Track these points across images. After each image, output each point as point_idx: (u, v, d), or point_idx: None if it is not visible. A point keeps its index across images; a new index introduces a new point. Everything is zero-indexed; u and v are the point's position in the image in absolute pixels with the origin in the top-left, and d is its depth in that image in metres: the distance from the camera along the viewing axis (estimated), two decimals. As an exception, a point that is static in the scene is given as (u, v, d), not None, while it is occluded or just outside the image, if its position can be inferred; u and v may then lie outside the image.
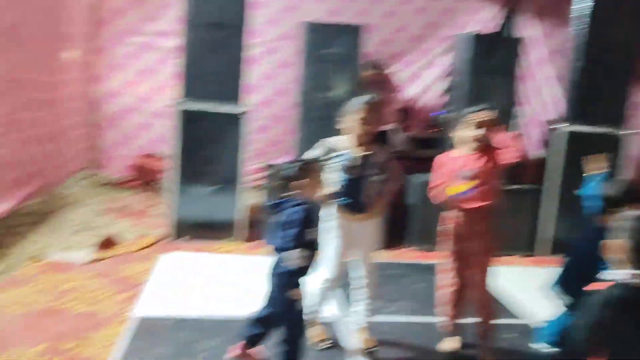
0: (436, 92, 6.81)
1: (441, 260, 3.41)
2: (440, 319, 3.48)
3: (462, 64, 5.34)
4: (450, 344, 3.43)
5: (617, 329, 1.84)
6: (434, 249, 5.00)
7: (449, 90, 5.87)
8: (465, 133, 3.21)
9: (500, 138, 3.17)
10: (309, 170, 2.79)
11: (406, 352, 3.45)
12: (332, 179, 3.13)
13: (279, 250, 2.71)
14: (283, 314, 2.78)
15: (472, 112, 3.19)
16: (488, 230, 3.22)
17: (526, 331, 3.72)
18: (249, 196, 5.42)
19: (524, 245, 5.40)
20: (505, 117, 4.93)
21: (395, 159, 3.33)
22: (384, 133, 5.70)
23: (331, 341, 3.40)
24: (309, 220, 2.68)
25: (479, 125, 3.15)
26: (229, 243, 5.09)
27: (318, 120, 5.11)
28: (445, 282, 3.39)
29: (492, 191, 3.19)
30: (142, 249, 4.83)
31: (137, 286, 4.04)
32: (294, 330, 2.79)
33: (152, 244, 4.94)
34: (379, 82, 6.25)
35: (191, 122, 4.98)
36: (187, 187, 5.08)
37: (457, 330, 3.44)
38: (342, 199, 3.16)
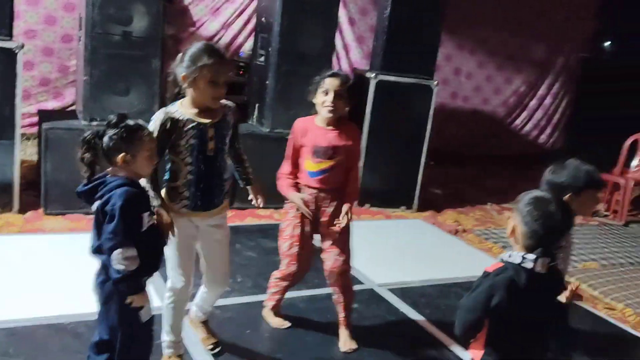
0: (240, 29, 6.18)
1: (282, 245, 2.94)
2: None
3: (272, 1, 4.81)
4: (278, 321, 3.09)
5: (501, 311, 1.82)
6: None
7: (256, 29, 5.31)
8: (317, 99, 2.80)
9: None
10: (135, 137, 2.02)
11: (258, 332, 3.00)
12: (179, 162, 2.37)
13: (95, 252, 2.00)
14: (123, 336, 2.05)
15: (322, 78, 2.76)
16: (337, 212, 2.84)
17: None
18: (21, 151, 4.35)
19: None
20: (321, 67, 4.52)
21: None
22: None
23: None
24: (135, 207, 1.99)
25: (327, 92, 2.75)
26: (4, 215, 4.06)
27: (111, 59, 4.23)
28: (284, 270, 2.97)
29: (347, 172, 2.87)
30: None
31: None
32: (136, 354, 2.11)
33: None
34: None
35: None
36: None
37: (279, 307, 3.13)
38: (192, 191, 2.40)
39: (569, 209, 1.87)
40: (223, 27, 6.10)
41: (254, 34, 5.51)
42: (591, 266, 4.64)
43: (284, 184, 2.87)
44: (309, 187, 2.83)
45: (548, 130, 8.50)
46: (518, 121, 8.25)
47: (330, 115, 2.76)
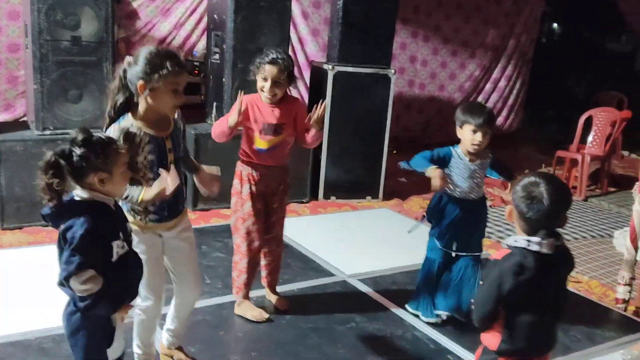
0: (192, 29, 6.09)
1: (236, 224, 2.99)
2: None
3: (225, -3, 4.75)
4: (256, 313, 3.07)
5: (515, 296, 1.81)
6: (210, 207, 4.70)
7: (209, 27, 5.23)
8: (258, 83, 2.88)
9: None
10: (110, 152, 1.81)
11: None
12: (139, 180, 2.19)
13: (60, 284, 1.81)
14: None
15: (262, 62, 2.81)
16: (285, 187, 3.07)
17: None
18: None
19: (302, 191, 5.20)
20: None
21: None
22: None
23: None
24: (101, 236, 1.80)
25: (266, 79, 2.82)
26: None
27: (61, 66, 4.11)
28: (243, 249, 3.00)
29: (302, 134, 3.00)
30: None
31: None
32: None
33: None
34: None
35: None
36: None
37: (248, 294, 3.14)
38: (157, 205, 2.26)
39: (565, 190, 1.86)
40: (175, 27, 6.00)
41: (206, 32, 5.44)
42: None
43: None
44: (259, 165, 2.91)
45: (504, 112, 8.65)
46: (475, 105, 8.35)
47: (269, 100, 2.86)
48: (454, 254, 3.05)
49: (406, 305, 3.25)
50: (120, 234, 1.88)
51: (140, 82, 2.12)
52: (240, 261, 3.03)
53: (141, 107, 2.18)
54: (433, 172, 2.85)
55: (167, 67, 2.11)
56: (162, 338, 2.66)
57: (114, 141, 1.88)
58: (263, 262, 3.18)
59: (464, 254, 3.05)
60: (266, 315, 3.05)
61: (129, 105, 2.19)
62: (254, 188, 2.95)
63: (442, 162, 2.96)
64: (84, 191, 1.82)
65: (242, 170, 2.96)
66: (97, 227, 1.76)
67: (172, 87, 2.15)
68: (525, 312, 1.85)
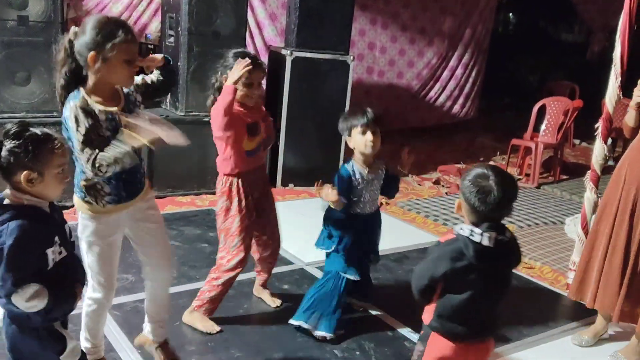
0: (144, 9, 5.92)
1: (226, 242, 2.85)
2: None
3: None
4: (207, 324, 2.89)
5: (448, 278, 1.87)
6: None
7: (162, 9, 5.09)
8: (241, 89, 2.69)
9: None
10: (43, 150, 1.66)
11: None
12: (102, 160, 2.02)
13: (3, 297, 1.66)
14: None
15: (245, 67, 2.60)
16: (268, 182, 3.05)
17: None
18: None
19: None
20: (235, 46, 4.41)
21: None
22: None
23: None
24: (34, 244, 1.65)
25: (252, 84, 2.71)
26: None
27: (7, 47, 3.94)
28: (224, 268, 2.85)
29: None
30: None
31: None
32: None
33: None
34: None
35: None
36: None
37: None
38: (114, 184, 2.15)
39: (512, 182, 1.88)
40: (127, 8, 5.82)
41: (160, 13, 5.29)
42: (509, 228, 4.81)
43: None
44: (246, 172, 2.79)
45: (461, 100, 8.74)
46: (432, 93, 8.42)
47: (254, 102, 2.78)
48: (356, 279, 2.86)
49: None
50: (56, 238, 1.74)
51: (91, 53, 1.98)
52: (217, 279, 2.85)
53: (91, 81, 2.04)
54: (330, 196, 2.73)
55: (120, 36, 1.99)
56: (145, 330, 2.55)
57: (52, 138, 1.71)
58: (260, 266, 3.15)
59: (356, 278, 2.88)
60: (217, 328, 2.85)
61: (78, 78, 2.06)
62: (244, 202, 2.80)
63: (350, 188, 2.83)
64: (14, 192, 1.67)
65: (229, 184, 2.80)
66: (27, 236, 1.62)
67: (126, 57, 2.02)
68: (458, 295, 1.89)
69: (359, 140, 2.78)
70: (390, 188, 2.98)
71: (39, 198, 1.70)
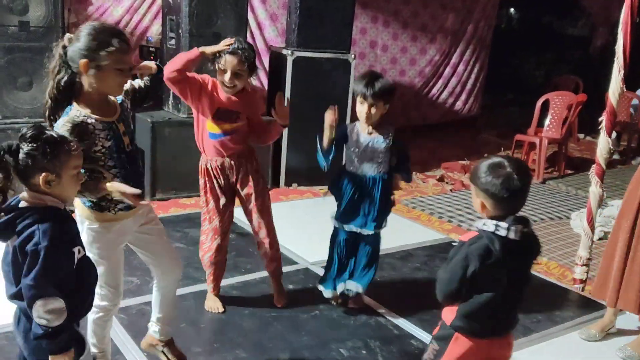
0: (145, 12, 5.92)
1: (202, 221, 2.96)
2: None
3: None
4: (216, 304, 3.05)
5: (477, 278, 1.82)
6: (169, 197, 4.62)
7: (163, 11, 5.10)
8: (218, 75, 2.75)
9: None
10: (60, 152, 1.65)
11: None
12: (99, 170, 2.06)
13: (14, 298, 1.66)
14: None
15: (221, 49, 2.67)
16: (256, 172, 2.96)
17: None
18: None
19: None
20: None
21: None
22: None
23: None
24: (65, 244, 1.66)
25: (225, 70, 2.71)
26: None
27: (8, 52, 3.95)
28: (209, 243, 2.97)
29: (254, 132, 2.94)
30: None
31: None
32: None
33: None
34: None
35: None
36: None
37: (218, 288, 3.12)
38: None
39: (525, 168, 1.86)
40: (128, 11, 5.82)
41: (160, 16, 5.29)
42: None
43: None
44: (216, 153, 2.82)
45: (463, 97, 8.72)
46: (434, 90, 8.40)
47: (229, 92, 2.76)
48: (358, 230, 2.98)
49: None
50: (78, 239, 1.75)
51: (84, 60, 1.96)
52: (203, 256, 3.02)
53: (84, 90, 2.02)
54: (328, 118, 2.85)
55: (114, 44, 1.96)
56: (150, 330, 2.55)
57: (67, 140, 1.71)
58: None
59: (358, 230, 2.98)
60: (222, 309, 3.01)
61: (72, 90, 2.03)
62: (215, 181, 2.85)
63: (344, 137, 2.96)
64: (32, 193, 1.67)
65: (201, 162, 2.88)
66: (59, 237, 1.63)
67: (119, 66, 2.00)
68: (485, 293, 1.85)
69: (358, 107, 2.89)
70: (399, 166, 3.01)
71: (56, 199, 1.70)
